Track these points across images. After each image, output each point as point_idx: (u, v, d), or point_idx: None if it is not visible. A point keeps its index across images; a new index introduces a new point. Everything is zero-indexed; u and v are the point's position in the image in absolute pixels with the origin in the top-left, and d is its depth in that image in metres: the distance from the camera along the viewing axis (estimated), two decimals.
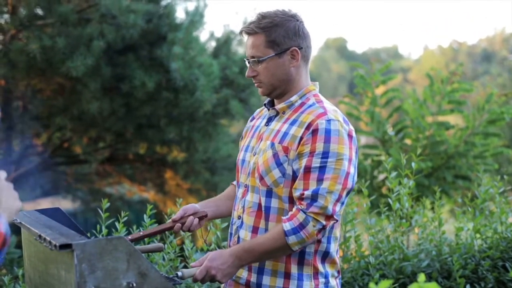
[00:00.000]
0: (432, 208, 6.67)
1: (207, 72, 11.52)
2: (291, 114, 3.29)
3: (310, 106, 3.27)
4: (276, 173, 3.20)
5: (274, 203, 3.23)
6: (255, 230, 3.27)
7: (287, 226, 3.08)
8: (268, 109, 3.42)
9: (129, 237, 3.46)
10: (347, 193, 3.14)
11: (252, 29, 3.26)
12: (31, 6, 11.08)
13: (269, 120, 3.38)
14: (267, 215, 3.24)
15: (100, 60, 11.00)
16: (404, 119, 11.20)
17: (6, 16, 11.65)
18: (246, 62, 3.36)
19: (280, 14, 3.28)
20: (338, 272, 3.36)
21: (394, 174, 5.35)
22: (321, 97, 3.35)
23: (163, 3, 12.45)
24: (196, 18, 11.95)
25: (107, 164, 14.07)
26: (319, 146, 3.11)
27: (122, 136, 13.25)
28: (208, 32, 13.09)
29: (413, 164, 5.39)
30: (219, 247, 5.02)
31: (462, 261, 5.30)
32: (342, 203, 3.14)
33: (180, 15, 12.64)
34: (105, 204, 4.63)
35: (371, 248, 5.34)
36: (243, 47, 14.46)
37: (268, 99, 3.45)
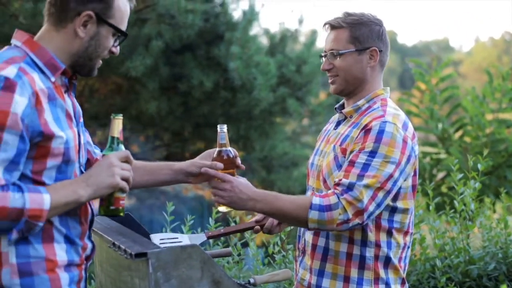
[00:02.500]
0: (493, 208, 6.57)
1: (264, 71, 11.53)
2: (357, 118, 3.29)
3: (374, 109, 3.26)
4: (337, 175, 3.17)
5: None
6: (316, 233, 3.27)
7: (316, 200, 3.05)
8: (338, 113, 3.42)
9: (209, 233, 3.48)
10: (385, 196, 3.08)
11: (338, 23, 3.28)
12: None
13: (338, 124, 3.39)
14: None
15: (158, 60, 11.07)
16: (463, 116, 11.06)
17: None
18: (322, 58, 3.36)
19: (367, 15, 3.32)
20: (403, 281, 3.30)
21: (460, 176, 5.27)
22: (388, 101, 3.32)
23: (218, 1, 12.47)
24: (252, 17, 11.96)
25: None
26: (369, 145, 3.09)
27: (180, 135, 13.33)
28: (263, 29, 13.07)
29: (479, 166, 5.31)
30: (284, 250, 5.02)
31: None
32: (378, 205, 3.07)
33: (236, 13, 12.64)
34: (170, 207, 4.65)
35: (437, 251, 5.28)
36: (299, 45, 14.43)
37: (339, 103, 3.44)
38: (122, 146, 2.72)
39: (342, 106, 3.42)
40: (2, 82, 2.38)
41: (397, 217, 3.21)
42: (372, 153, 3.07)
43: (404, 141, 3.13)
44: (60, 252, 2.59)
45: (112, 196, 2.67)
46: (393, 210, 3.19)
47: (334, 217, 3.01)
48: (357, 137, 3.16)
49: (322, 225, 3.05)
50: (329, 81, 3.34)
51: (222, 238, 4.74)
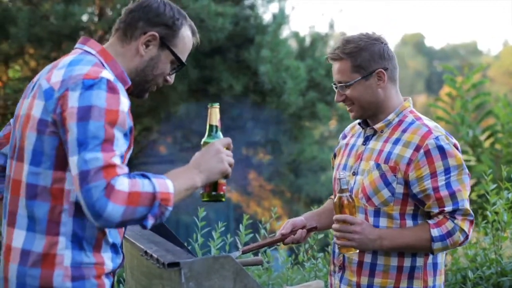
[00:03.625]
0: None
1: (294, 75, 11.53)
2: (390, 133, 3.30)
3: (411, 124, 3.28)
4: (386, 193, 3.22)
5: (383, 222, 3.25)
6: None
7: (435, 232, 3.16)
8: (363, 128, 3.41)
9: (243, 248, 3.51)
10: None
11: (337, 55, 3.28)
12: (118, 8, 11.25)
13: (366, 139, 3.38)
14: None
15: (187, 63, 11.08)
16: (494, 123, 10.98)
17: (94, 17, 11.85)
18: (334, 87, 3.38)
19: (364, 38, 3.30)
20: (443, 283, 3.39)
21: (493, 186, 5.21)
22: (418, 113, 3.37)
23: (247, 2, 12.48)
24: (282, 20, 11.95)
25: None
26: (439, 166, 3.17)
27: None
28: (293, 33, 13.09)
29: None
30: (314, 257, 4.99)
31: None
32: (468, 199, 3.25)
33: (266, 16, 12.65)
34: (201, 213, 4.64)
35: (468, 262, 5.23)
36: (329, 48, 14.41)
37: (361, 119, 3.45)
38: (220, 134, 2.82)
39: (366, 121, 3.42)
40: (105, 84, 2.46)
41: None
42: (447, 171, 3.17)
43: (456, 147, 3.23)
44: (107, 261, 2.65)
45: (216, 182, 2.76)
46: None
47: (455, 240, 3.16)
48: (412, 158, 3.19)
49: (447, 249, 3.22)
50: (347, 109, 3.37)
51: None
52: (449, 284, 5.07)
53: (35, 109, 2.54)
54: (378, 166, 3.25)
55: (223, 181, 2.78)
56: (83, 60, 2.57)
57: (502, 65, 58.25)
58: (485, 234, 5.54)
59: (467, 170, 3.23)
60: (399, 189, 3.21)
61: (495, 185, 5.23)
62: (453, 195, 3.16)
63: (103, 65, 2.61)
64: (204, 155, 2.67)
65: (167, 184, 2.50)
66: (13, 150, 2.65)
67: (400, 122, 3.30)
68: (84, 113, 2.41)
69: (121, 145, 2.46)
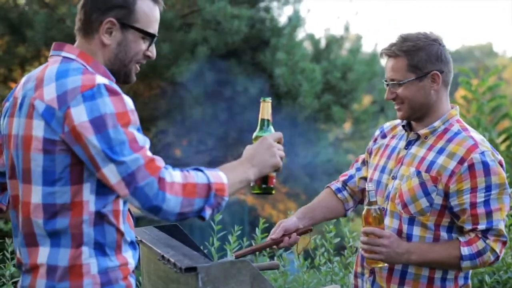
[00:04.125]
0: None
1: (309, 77, 11.52)
2: (435, 141, 3.23)
3: (457, 134, 3.20)
4: (424, 202, 3.16)
5: (417, 231, 3.22)
6: None
7: (465, 251, 3.11)
8: (406, 131, 3.35)
9: (236, 253, 3.49)
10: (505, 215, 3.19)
11: (394, 52, 3.21)
12: None
13: (409, 143, 3.31)
14: (409, 237, 3.22)
15: (203, 65, 11.11)
16: (510, 126, 10.93)
17: None
18: (385, 85, 3.28)
19: (422, 38, 3.22)
20: None
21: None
22: (464, 124, 3.28)
23: (262, 5, 12.48)
24: (297, 23, 11.94)
25: (207, 167, 14.19)
26: (480, 181, 3.10)
27: (224, 141, 13.36)
28: (308, 35, 13.10)
29: None
30: (330, 261, 4.98)
31: None
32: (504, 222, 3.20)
33: (282, 19, 12.66)
34: (218, 217, 4.64)
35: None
36: (344, 50, 14.37)
37: (405, 121, 3.38)
38: (272, 128, 2.86)
39: (409, 124, 3.36)
40: (104, 90, 2.45)
41: None
42: (488, 188, 3.09)
43: (501, 165, 3.15)
44: (130, 259, 2.67)
45: (267, 176, 2.80)
46: None
47: (485, 260, 3.11)
48: (455, 170, 3.13)
49: (476, 267, 3.18)
50: (395, 107, 3.29)
51: (267, 249, 4.72)
52: None
53: (36, 129, 2.50)
54: (418, 173, 3.18)
55: (273, 174, 2.83)
56: (69, 70, 2.53)
57: None
58: None
59: (509, 190, 3.15)
60: (438, 200, 3.15)
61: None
62: (489, 214, 3.09)
63: (87, 68, 2.58)
64: (257, 149, 2.69)
65: (220, 176, 2.53)
66: (11, 171, 2.63)
67: (446, 131, 3.23)
68: (98, 124, 2.41)
69: (144, 140, 2.47)
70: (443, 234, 3.18)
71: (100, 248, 2.57)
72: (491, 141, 10.63)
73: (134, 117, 2.46)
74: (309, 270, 5.11)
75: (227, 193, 2.55)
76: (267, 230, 4.83)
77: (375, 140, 3.55)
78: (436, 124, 3.23)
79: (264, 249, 3.66)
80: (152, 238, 3.24)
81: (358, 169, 3.62)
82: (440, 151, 3.18)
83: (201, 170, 2.52)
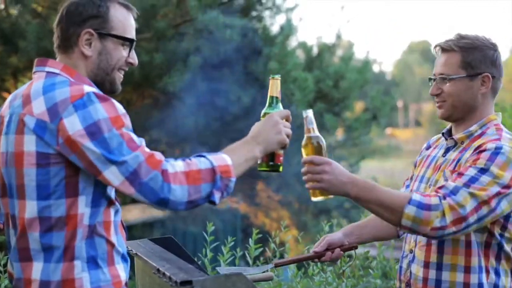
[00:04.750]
0: None
1: (302, 86, 11.56)
2: (468, 144, 3.14)
3: (488, 134, 3.11)
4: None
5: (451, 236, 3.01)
6: (426, 265, 3.13)
7: (416, 196, 2.91)
8: (446, 139, 3.28)
9: (276, 261, 3.52)
10: (488, 213, 2.92)
11: (450, 46, 3.15)
12: None
13: (447, 150, 3.25)
14: (441, 248, 3.10)
15: (196, 75, 11.13)
16: None
17: None
18: (432, 80, 3.22)
19: (480, 39, 3.17)
20: None
21: None
22: (502, 126, 3.16)
23: (254, 14, 12.51)
24: (290, 32, 11.98)
25: None
26: (481, 162, 2.95)
27: (217, 150, 13.32)
28: (300, 44, 13.16)
29: None
30: (323, 271, 5.00)
31: None
32: (479, 220, 2.91)
33: (274, 28, 12.70)
34: (210, 227, 4.65)
35: None
36: (336, 58, 14.41)
37: (447, 128, 3.32)
38: (280, 105, 2.92)
39: (449, 132, 3.29)
40: (94, 97, 2.48)
41: (507, 246, 3.08)
42: (483, 170, 2.93)
43: None
44: (121, 272, 2.68)
45: (273, 153, 2.83)
46: (503, 238, 3.06)
47: (431, 219, 2.86)
48: (468, 157, 3.04)
49: (416, 224, 2.89)
50: (436, 105, 3.22)
51: (261, 259, 4.74)
52: None
53: (28, 145, 2.51)
54: (444, 174, 3.11)
55: (280, 151, 2.85)
56: (55, 84, 2.54)
57: (508, 72, 57.91)
58: None
59: (500, 188, 2.91)
60: None
61: None
62: (465, 185, 2.91)
63: (72, 81, 2.59)
64: (263, 126, 2.75)
65: (224, 158, 2.57)
66: (3, 189, 2.64)
67: (482, 134, 3.12)
68: (94, 131, 2.43)
69: (140, 140, 2.51)
70: (478, 236, 3.04)
71: (92, 261, 2.57)
72: None
73: (127, 120, 2.50)
74: (302, 280, 5.12)
75: (234, 174, 2.58)
76: (260, 241, 4.85)
77: (421, 152, 3.47)
78: (473, 128, 3.14)
79: (306, 261, 3.65)
80: (147, 251, 3.25)
81: (407, 186, 3.45)
82: (467, 150, 3.10)
83: (203, 156, 2.56)
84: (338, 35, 13.92)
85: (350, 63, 13.97)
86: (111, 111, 2.47)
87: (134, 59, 2.77)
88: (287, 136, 2.78)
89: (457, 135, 3.19)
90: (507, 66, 61.38)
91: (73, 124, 2.44)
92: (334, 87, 12.72)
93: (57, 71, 2.64)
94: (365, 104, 15.57)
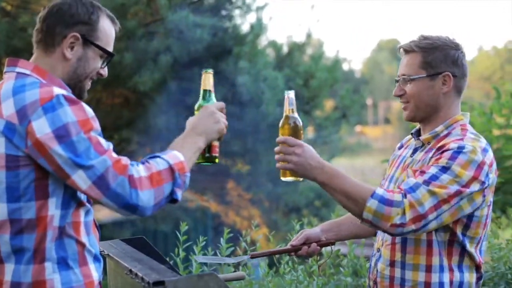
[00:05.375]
0: (497, 222, 6.58)
1: (272, 85, 11.58)
2: (434, 144, 3.16)
3: (453, 135, 3.13)
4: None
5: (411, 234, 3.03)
6: (392, 263, 3.16)
7: (379, 190, 2.92)
8: (415, 139, 3.31)
9: (252, 253, 3.54)
10: (448, 211, 2.93)
11: (411, 47, 3.18)
12: None
13: (415, 151, 3.27)
14: (404, 247, 3.13)
15: (166, 74, 11.12)
16: None
17: None
18: (396, 81, 3.24)
19: (442, 39, 3.19)
20: None
21: None
22: (469, 127, 3.17)
23: (224, 13, 12.52)
24: (260, 31, 12.00)
25: None
26: (442, 161, 2.96)
27: None
28: (270, 43, 13.18)
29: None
30: (294, 270, 5.03)
31: None
32: (438, 217, 2.93)
33: (244, 27, 12.72)
34: (184, 227, 4.65)
35: None
36: (306, 58, 14.46)
37: (416, 128, 3.34)
38: (214, 98, 2.92)
39: (419, 132, 3.32)
40: (63, 100, 2.47)
41: (470, 245, 3.09)
42: (444, 169, 2.94)
43: (480, 167, 2.98)
44: (94, 272, 2.68)
45: (210, 144, 2.84)
46: (465, 237, 3.07)
47: (391, 215, 2.87)
48: (431, 156, 3.06)
49: (377, 218, 2.90)
50: (402, 107, 3.25)
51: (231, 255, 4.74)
52: None
53: None
54: (408, 174, 3.12)
55: (216, 143, 2.86)
56: (26, 85, 2.53)
57: (476, 70, 58.57)
58: None
59: (460, 188, 2.92)
60: None
61: None
62: (425, 182, 2.92)
63: (43, 82, 2.58)
64: (200, 117, 2.77)
65: (176, 155, 2.60)
66: None
67: (448, 135, 3.14)
68: (62, 134, 2.43)
69: (108, 144, 2.51)
70: (440, 235, 3.06)
71: (63, 262, 2.58)
72: None
73: (96, 124, 2.50)
74: (274, 279, 5.14)
75: (188, 169, 2.61)
76: (231, 240, 4.87)
77: (394, 152, 3.49)
78: (438, 129, 3.17)
79: (282, 254, 3.67)
80: (119, 252, 3.26)
81: (382, 185, 3.45)
82: (432, 150, 3.11)
83: (158, 156, 2.57)
84: (308, 34, 13.96)
85: (320, 62, 14.02)
86: (79, 114, 2.47)
87: (105, 71, 2.79)
88: (225, 126, 2.82)
89: (424, 136, 3.22)
90: (475, 65, 62.00)
91: (41, 127, 2.43)
92: (304, 86, 12.77)
93: (27, 71, 2.63)
94: (335, 102, 15.65)
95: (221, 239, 4.74)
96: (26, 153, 2.46)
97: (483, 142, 3.07)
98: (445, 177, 2.93)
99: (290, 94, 3.11)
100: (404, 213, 2.88)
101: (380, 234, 3.29)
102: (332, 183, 2.97)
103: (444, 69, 3.13)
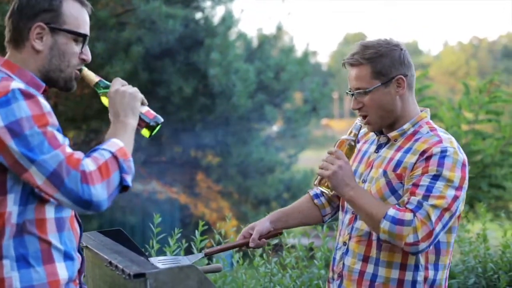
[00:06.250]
0: (466, 217, 6.65)
1: (243, 77, 11.59)
2: (403, 142, 3.19)
3: (424, 135, 3.16)
4: (392, 200, 3.12)
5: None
6: (365, 259, 3.20)
7: (391, 211, 3.00)
8: (377, 135, 3.34)
9: (206, 251, 3.55)
10: (450, 218, 3.02)
11: (357, 60, 3.19)
12: None
13: (379, 147, 3.30)
14: (379, 244, 3.17)
15: (137, 65, 11.07)
16: (440, 127, 11.14)
17: None
18: (350, 94, 3.26)
19: (384, 44, 3.22)
20: None
21: None
22: (434, 125, 3.23)
23: (196, 5, 12.50)
24: (231, 23, 12.00)
25: (140, 166, 14.15)
26: (432, 169, 3.02)
27: (157, 140, 13.33)
28: (241, 35, 13.18)
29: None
30: (269, 262, 5.05)
31: (508, 278, 5.26)
32: (443, 227, 3.01)
33: (216, 19, 12.69)
34: (157, 219, 4.65)
35: None
36: (276, 51, 14.48)
37: None
38: (106, 82, 2.81)
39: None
40: (19, 94, 2.43)
41: (443, 238, 3.17)
42: (435, 177, 3.00)
43: (464, 165, 3.07)
44: (62, 271, 2.62)
45: (142, 114, 2.75)
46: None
47: (403, 234, 2.96)
48: (415, 163, 3.09)
49: (392, 238, 3.00)
50: (363, 121, 3.25)
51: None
52: None
53: None
54: (385, 173, 3.16)
55: (144, 109, 2.78)
56: None
57: (442, 65, 59.07)
58: None
59: (454, 190, 3.01)
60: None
61: None
62: (425, 197, 2.98)
63: (10, 77, 2.55)
64: (113, 104, 2.68)
65: (116, 142, 2.53)
66: None
67: (415, 132, 3.18)
68: (15, 129, 2.39)
69: (64, 139, 2.46)
70: None
71: (22, 259, 2.53)
72: None
73: (52, 119, 2.45)
74: (247, 271, 5.15)
75: (129, 154, 2.56)
76: (205, 232, 4.87)
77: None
78: (405, 126, 3.20)
79: (234, 248, 3.68)
80: (97, 244, 3.24)
81: None
82: (407, 151, 3.15)
83: (98, 148, 2.50)
84: (278, 27, 13.99)
85: (291, 55, 14.06)
86: (34, 109, 2.42)
87: (87, 55, 2.74)
88: (135, 92, 2.73)
89: (391, 133, 3.25)
90: (441, 60, 62.54)
91: None
92: (274, 78, 12.79)
93: None
94: (303, 95, 15.69)
95: (196, 231, 4.74)
96: None
97: (454, 140, 3.15)
98: (439, 184, 2.99)
99: (359, 122, 3.21)
100: (416, 231, 2.96)
101: (346, 228, 3.32)
102: (357, 202, 3.08)
103: (395, 73, 3.17)
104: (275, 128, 15.79)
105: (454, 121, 10.80)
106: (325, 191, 3.20)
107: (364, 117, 3.25)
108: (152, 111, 2.80)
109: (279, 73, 13.14)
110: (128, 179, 2.53)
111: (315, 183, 3.20)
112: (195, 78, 11.63)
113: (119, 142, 2.54)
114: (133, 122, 2.66)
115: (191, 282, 2.76)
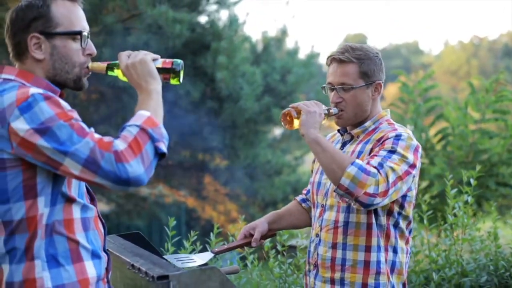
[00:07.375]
0: (475, 214, 6.67)
1: (250, 80, 11.63)
2: (364, 137, 3.44)
3: (382, 128, 3.43)
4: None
5: (352, 217, 3.36)
6: (334, 245, 3.39)
7: (359, 161, 3.17)
8: (342, 135, 3.56)
9: (214, 250, 3.64)
10: (401, 188, 3.22)
11: (348, 58, 3.40)
12: None
13: (344, 144, 3.52)
14: (345, 229, 3.37)
15: None
16: (446, 127, 11.18)
17: None
18: (329, 88, 3.47)
19: (370, 50, 3.47)
20: (404, 284, 3.47)
21: (454, 190, 5.37)
22: (393, 122, 3.50)
23: (201, 8, 12.53)
24: (237, 27, 12.03)
25: None
26: (387, 146, 3.25)
27: (168, 145, 13.32)
28: (246, 38, 13.18)
29: (472, 181, 5.41)
30: (283, 263, 5.08)
31: None
32: (396, 192, 3.21)
33: (222, 23, 12.68)
34: (172, 222, 4.69)
35: (429, 263, 5.36)
36: (283, 53, 14.50)
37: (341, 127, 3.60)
38: (115, 61, 2.79)
39: (345, 128, 3.56)
40: (40, 98, 2.46)
41: (402, 224, 3.40)
42: (391, 152, 3.23)
43: (416, 150, 3.31)
44: (90, 269, 2.66)
45: (160, 69, 2.74)
46: (400, 216, 3.37)
47: (367, 183, 3.10)
48: (372, 148, 3.33)
49: (353, 184, 3.12)
50: (338, 114, 3.45)
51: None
52: (413, 286, 5.19)
53: None
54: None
55: (159, 63, 2.76)
56: (5, 90, 2.53)
57: (443, 64, 58.98)
58: (445, 236, 5.68)
59: (408, 166, 3.23)
60: None
61: (455, 189, 5.39)
62: (384, 159, 3.19)
63: (25, 85, 2.58)
64: (131, 78, 2.70)
65: (141, 114, 2.54)
66: None
67: (375, 129, 3.44)
68: (42, 127, 2.42)
69: (89, 128, 2.49)
70: (379, 219, 3.33)
71: (52, 259, 2.57)
72: (427, 141, 10.89)
73: (75, 114, 2.48)
74: (262, 272, 5.18)
75: (158, 121, 2.56)
76: (205, 234, 4.92)
77: None
78: (367, 124, 3.46)
79: (242, 246, 3.79)
80: (117, 247, 3.28)
81: (310, 182, 3.75)
82: (367, 142, 3.39)
83: (126, 126, 2.52)
84: (283, 30, 14.02)
85: (296, 57, 14.10)
86: (56, 109, 2.46)
87: (90, 49, 2.75)
88: (143, 57, 2.72)
89: (354, 131, 3.48)
90: (442, 59, 62.45)
91: (21, 126, 2.43)
92: (281, 81, 12.82)
93: (12, 77, 2.63)
94: (308, 97, 15.69)
95: (211, 233, 4.79)
96: (13, 154, 2.47)
97: (410, 132, 3.39)
98: (395, 157, 3.22)
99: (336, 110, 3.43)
100: (377, 184, 3.13)
101: (317, 221, 3.51)
102: (322, 144, 3.23)
103: (376, 77, 3.45)
104: (281, 130, 15.82)
105: (460, 120, 10.83)
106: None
107: (340, 116, 3.47)
108: (167, 60, 2.80)
109: (285, 76, 13.17)
110: (162, 146, 2.53)
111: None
112: (202, 82, 11.66)
113: (145, 113, 2.55)
114: (156, 86, 2.68)
115: (213, 284, 2.81)
